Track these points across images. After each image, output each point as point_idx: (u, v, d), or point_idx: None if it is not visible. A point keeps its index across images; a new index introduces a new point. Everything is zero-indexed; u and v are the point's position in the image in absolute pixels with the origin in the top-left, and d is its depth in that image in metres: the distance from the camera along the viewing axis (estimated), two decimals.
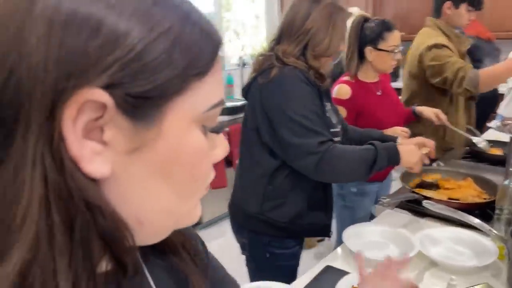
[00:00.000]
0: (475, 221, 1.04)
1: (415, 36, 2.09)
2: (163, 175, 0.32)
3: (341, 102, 1.68)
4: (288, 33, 1.22)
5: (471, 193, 1.31)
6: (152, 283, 0.39)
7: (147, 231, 0.34)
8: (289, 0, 1.28)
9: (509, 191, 0.98)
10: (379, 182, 1.81)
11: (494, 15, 3.37)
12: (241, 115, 1.44)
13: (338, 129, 1.34)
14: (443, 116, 1.78)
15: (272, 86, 1.19)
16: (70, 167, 0.28)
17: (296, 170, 1.21)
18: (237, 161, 1.42)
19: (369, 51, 1.65)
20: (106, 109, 0.28)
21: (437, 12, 2.01)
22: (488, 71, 1.83)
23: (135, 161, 0.31)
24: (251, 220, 1.31)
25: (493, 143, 1.82)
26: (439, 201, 1.22)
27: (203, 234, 3.04)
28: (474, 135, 1.87)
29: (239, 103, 3.14)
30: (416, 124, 1.91)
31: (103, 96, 0.27)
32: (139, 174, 0.31)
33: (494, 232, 0.99)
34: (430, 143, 1.35)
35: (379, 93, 1.75)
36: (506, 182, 1.00)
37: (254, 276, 1.37)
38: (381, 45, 1.62)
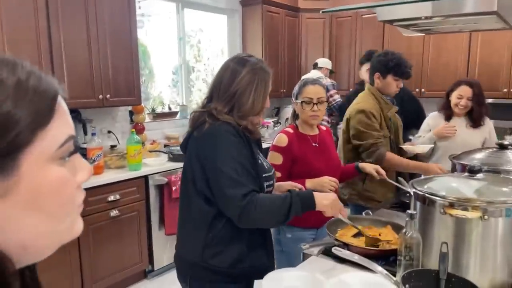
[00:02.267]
0: (378, 268, 1.14)
1: None
2: (33, 208, 0.40)
3: (278, 149, 1.83)
4: (217, 93, 1.36)
5: (388, 239, 1.41)
6: None
7: (32, 252, 0.43)
8: (254, 51, 1.42)
9: (406, 239, 1.09)
10: (316, 229, 1.91)
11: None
12: None
13: (271, 173, 1.45)
14: (382, 171, 1.96)
15: (204, 138, 1.31)
16: None
17: None
18: None
19: (295, 104, 1.91)
20: None
21: (371, 80, 2.27)
22: (393, 157, 2.16)
23: (6, 203, 0.39)
24: (193, 268, 1.36)
25: None
26: (356, 248, 1.33)
27: (157, 280, 3.00)
28: (405, 186, 2.02)
29: None
30: None
31: None
32: (12, 212, 0.39)
33: (391, 278, 1.08)
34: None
35: (315, 145, 1.90)
36: (403, 231, 1.11)
37: None
38: (299, 98, 1.85)
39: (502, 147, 1.59)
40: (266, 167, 1.44)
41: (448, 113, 2.65)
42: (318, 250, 1.41)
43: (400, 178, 2.12)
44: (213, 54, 4.41)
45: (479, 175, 1.18)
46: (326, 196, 1.34)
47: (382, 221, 1.56)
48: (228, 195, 1.24)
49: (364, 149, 2.19)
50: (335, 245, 1.35)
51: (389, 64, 2.19)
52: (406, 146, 2.36)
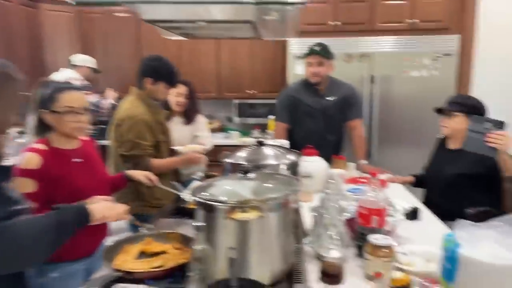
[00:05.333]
0: None
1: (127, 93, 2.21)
2: None
3: (28, 173, 1.44)
4: None
5: (174, 254, 1.33)
6: None
7: None
8: None
9: (195, 253, 1.04)
10: (88, 258, 1.63)
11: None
12: None
13: (24, 205, 1.11)
14: (153, 177, 1.88)
15: None
16: None
17: None
18: None
19: (44, 115, 1.53)
20: None
21: (140, 84, 2.14)
22: (159, 163, 2.13)
23: None
24: None
25: None
26: (141, 274, 1.18)
27: None
28: (179, 190, 2.00)
29: None
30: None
31: None
32: None
33: None
34: None
35: (77, 160, 1.60)
36: (192, 244, 1.05)
37: None
38: (55, 107, 1.52)
39: (260, 144, 1.78)
40: (14, 198, 1.09)
41: (168, 114, 2.78)
42: (98, 285, 1.18)
43: (174, 182, 2.09)
44: None
45: (251, 174, 1.24)
46: (98, 203, 1.23)
47: (163, 234, 1.47)
48: None
49: (127, 160, 2.06)
50: (116, 278, 1.16)
51: (163, 72, 2.13)
52: (178, 148, 2.37)
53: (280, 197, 1.11)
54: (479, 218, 1.90)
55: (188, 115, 2.82)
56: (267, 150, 1.77)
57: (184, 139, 2.69)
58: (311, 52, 2.57)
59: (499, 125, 1.68)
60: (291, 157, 1.76)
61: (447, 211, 1.94)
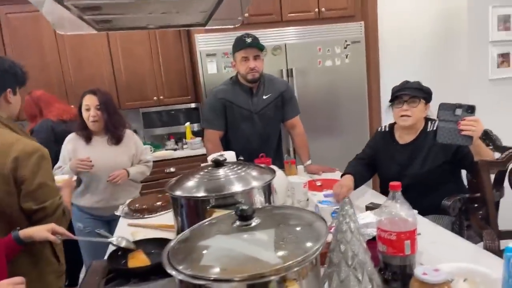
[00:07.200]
0: None
1: None
2: None
3: None
4: None
5: None
6: None
7: None
8: None
9: None
10: None
11: None
12: None
13: None
14: (61, 230, 1.35)
15: None
16: None
17: None
18: None
19: None
20: None
21: None
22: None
23: None
24: None
25: None
26: None
27: None
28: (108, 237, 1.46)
29: None
30: None
31: None
32: None
33: None
34: None
35: None
36: None
37: None
38: None
39: (218, 164, 1.36)
40: None
41: (87, 134, 2.27)
42: None
43: (99, 231, 1.54)
44: None
45: (254, 221, 0.83)
46: None
47: None
48: None
49: (47, 213, 1.42)
50: None
51: (17, 72, 1.52)
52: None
53: (316, 250, 0.74)
54: (456, 208, 1.81)
55: (112, 132, 2.27)
56: (224, 171, 1.35)
57: (113, 165, 2.22)
58: (247, 45, 2.20)
59: (470, 110, 1.55)
60: (256, 173, 1.37)
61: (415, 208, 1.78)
